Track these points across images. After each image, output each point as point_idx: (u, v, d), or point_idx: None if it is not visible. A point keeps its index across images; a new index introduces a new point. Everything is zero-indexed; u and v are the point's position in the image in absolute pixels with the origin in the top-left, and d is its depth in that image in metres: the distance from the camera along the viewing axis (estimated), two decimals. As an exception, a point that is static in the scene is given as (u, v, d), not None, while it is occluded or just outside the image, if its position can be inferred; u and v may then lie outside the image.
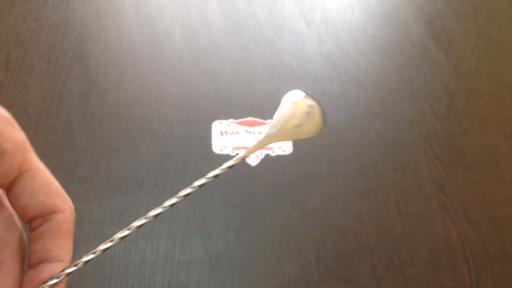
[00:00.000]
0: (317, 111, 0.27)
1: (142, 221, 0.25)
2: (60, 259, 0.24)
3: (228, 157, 0.65)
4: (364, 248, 0.58)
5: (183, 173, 0.64)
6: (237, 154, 0.65)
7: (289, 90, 0.28)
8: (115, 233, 0.25)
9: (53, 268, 0.24)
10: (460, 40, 0.80)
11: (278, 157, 0.66)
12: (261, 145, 0.27)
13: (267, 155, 0.66)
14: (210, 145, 0.66)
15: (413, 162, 0.66)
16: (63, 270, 0.24)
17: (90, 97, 0.71)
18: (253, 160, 0.65)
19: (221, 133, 0.67)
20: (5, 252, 0.24)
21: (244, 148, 0.66)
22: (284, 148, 0.66)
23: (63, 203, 0.25)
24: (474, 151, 0.67)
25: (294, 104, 0.27)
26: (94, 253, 0.25)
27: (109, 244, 0.25)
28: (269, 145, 0.66)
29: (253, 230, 0.59)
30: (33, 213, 0.24)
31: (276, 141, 0.27)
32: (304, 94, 0.28)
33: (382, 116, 0.70)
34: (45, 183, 0.24)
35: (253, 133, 0.67)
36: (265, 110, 0.70)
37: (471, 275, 0.57)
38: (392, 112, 0.71)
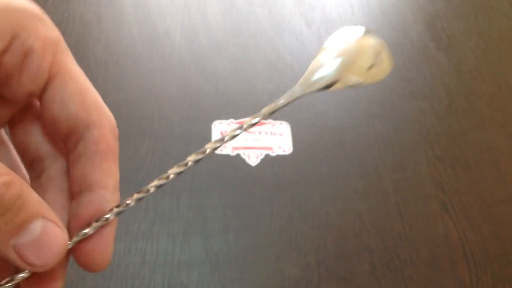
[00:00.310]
0: (386, 50, 0.23)
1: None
2: (103, 186, 0.20)
3: (228, 157, 0.65)
4: (364, 248, 0.58)
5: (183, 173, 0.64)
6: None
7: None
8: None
9: (97, 198, 0.20)
10: (460, 40, 0.80)
11: (278, 157, 0.66)
12: (317, 87, 0.22)
13: (267, 155, 0.66)
14: (210, 145, 0.66)
15: (413, 162, 0.66)
16: (118, 206, 0.20)
17: (90, 97, 0.71)
18: (253, 160, 0.65)
19: (221, 133, 0.67)
20: (54, 168, 0.21)
21: (244, 148, 0.66)
22: (284, 148, 0.66)
23: (101, 116, 0.21)
24: (474, 151, 0.67)
25: (358, 41, 0.23)
26: (166, 178, 0.22)
27: (182, 168, 0.23)
28: (269, 145, 0.66)
29: (253, 230, 0.59)
30: (65, 127, 0.20)
31: (341, 86, 0.22)
32: (364, 29, 0.23)
33: (382, 116, 0.70)
34: (80, 91, 0.20)
35: (253, 133, 0.67)
36: (265, 110, 0.70)
37: (471, 275, 0.57)
38: (392, 112, 0.71)
